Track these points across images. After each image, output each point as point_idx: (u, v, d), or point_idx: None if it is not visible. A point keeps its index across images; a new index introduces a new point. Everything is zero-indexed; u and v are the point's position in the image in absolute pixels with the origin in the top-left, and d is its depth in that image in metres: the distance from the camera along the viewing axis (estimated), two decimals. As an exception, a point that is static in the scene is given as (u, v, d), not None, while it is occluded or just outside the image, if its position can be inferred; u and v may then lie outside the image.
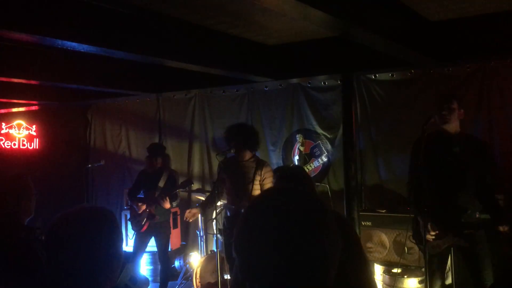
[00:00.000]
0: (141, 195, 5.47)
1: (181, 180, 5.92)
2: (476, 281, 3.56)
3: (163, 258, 5.44)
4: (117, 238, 1.57)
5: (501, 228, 3.45)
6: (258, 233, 1.02)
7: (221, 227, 4.87)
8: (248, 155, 4.62)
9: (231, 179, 4.63)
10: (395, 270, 4.94)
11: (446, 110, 3.57)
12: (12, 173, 2.73)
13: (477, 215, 3.59)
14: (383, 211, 5.29)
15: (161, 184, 5.39)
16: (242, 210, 4.56)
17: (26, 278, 1.98)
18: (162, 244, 5.41)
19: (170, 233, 5.60)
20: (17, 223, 2.52)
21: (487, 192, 3.56)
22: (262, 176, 4.51)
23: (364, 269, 1.97)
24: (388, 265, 5.08)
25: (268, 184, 4.60)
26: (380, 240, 5.20)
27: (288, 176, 2.80)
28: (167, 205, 5.30)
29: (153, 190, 5.36)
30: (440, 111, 3.58)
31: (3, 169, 6.98)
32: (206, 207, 4.93)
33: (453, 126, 3.60)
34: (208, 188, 6.65)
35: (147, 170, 5.55)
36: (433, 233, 3.54)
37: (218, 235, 4.82)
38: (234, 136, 4.55)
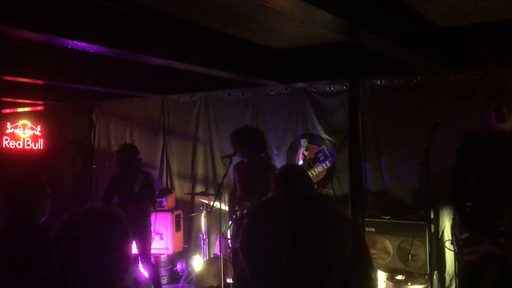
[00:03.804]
0: (116, 200, 5.19)
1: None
2: None
3: (147, 262, 5.20)
4: (127, 238, 1.56)
5: None
6: (266, 236, 1.02)
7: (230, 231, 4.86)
8: (256, 157, 4.64)
9: (241, 181, 4.65)
10: (398, 277, 4.92)
11: (507, 108, 3.23)
12: (30, 173, 2.73)
13: None
14: (387, 217, 5.28)
15: (136, 189, 5.15)
16: (245, 211, 4.57)
17: (43, 277, 1.98)
18: (141, 248, 5.10)
19: (150, 237, 5.32)
20: (35, 223, 2.52)
21: None
22: (267, 178, 4.51)
23: (370, 275, 1.96)
24: (391, 272, 5.06)
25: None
26: (384, 247, 5.19)
27: (289, 177, 2.78)
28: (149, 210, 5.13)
29: (128, 195, 5.10)
30: (500, 109, 3.24)
31: (7, 169, 6.99)
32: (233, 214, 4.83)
33: (509, 125, 3.28)
34: (211, 191, 6.64)
35: (119, 173, 5.29)
36: (464, 235, 3.40)
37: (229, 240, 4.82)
38: (241, 139, 4.56)
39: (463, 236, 3.46)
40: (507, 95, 3.28)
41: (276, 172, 3.07)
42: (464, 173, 3.53)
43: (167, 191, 5.24)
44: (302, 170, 3.37)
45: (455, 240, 3.63)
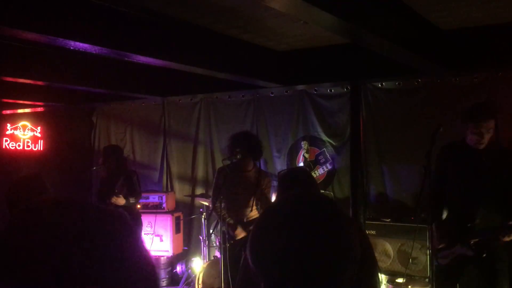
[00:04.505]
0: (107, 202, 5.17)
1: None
2: None
3: None
4: (137, 239, 1.55)
5: (501, 238, 3.38)
6: (278, 239, 1.00)
7: (219, 236, 4.83)
8: (250, 164, 4.61)
9: (232, 187, 4.59)
10: (399, 280, 4.91)
11: (486, 134, 3.38)
12: (28, 173, 2.72)
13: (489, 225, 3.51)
14: (388, 220, 5.27)
15: (116, 188, 5.19)
16: (245, 220, 4.55)
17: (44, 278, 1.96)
18: None
19: None
20: None
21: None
22: (262, 186, 4.50)
23: (375, 274, 1.97)
24: (392, 275, 5.05)
25: (268, 193, 4.60)
26: (384, 250, 5.18)
27: (294, 180, 2.77)
28: (120, 201, 5.11)
29: (111, 195, 5.12)
30: (479, 135, 3.40)
31: (7, 170, 6.97)
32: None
33: (483, 145, 3.44)
34: (211, 193, 6.61)
35: (106, 175, 5.37)
36: (441, 245, 3.60)
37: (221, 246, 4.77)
38: (240, 144, 4.52)
39: (440, 247, 3.65)
40: (485, 122, 3.39)
41: (282, 174, 3.05)
42: (443, 184, 3.74)
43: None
44: (309, 172, 3.37)
45: (431, 245, 3.82)
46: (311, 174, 3.15)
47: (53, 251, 0.77)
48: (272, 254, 1.00)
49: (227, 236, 4.65)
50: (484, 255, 3.43)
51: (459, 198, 3.52)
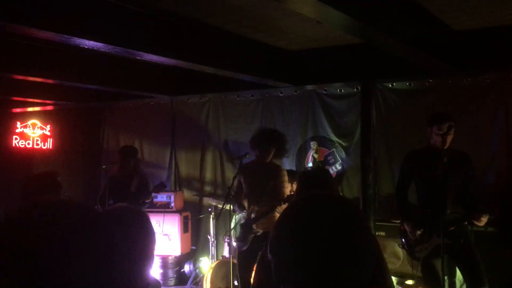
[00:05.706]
0: (111, 202, 5.16)
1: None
2: (473, 277, 3.81)
3: None
4: (153, 238, 1.56)
5: (476, 219, 3.70)
6: (297, 236, 1.01)
7: (237, 234, 4.82)
8: (269, 159, 4.62)
9: (250, 183, 4.63)
10: (408, 282, 4.88)
11: (449, 135, 3.80)
12: (48, 171, 2.72)
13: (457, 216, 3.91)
14: (398, 221, 5.23)
15: (133, 189, 5.22)
16: (252, 215, 4.54)
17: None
18: None
19: None
20: None
21: (469, 197, 3.92)
22: (275, 180, 4.48)
23: (387, 274, 1.96)
24: (401, 277, 5.02)
25: (282, 188, 4.57)
26: (394, 251, 5.14)
27: (315, 181, 2.77)
28: None
29: (125, 196, 5.10)
30: (444, 136, 3.80)
31: (17, 168, 7.01)
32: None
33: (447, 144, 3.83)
34: (219, 192, 6.62)
35: (117, 174, 5.40)
36: (419, 232, 3.88)
37: (234, 243, 4.76)
38: (270, 140, 4.55)
39: (418, 234, 3.91)
40: (447, 123, 3.81)
41: (303, 173, 3.04)
42: (407, 185, 4.10)
43: (161, 185, 5.21)
44: (330, 173, 3.38)
45: (405, 243, 4.07)
46: (331, 175, 3.17)
47: (37, 248, 0.82)
48: (296, 254, 1.00)
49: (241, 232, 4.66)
50: (462, 240, 3.79)
51: (429, 193, 3.79)
